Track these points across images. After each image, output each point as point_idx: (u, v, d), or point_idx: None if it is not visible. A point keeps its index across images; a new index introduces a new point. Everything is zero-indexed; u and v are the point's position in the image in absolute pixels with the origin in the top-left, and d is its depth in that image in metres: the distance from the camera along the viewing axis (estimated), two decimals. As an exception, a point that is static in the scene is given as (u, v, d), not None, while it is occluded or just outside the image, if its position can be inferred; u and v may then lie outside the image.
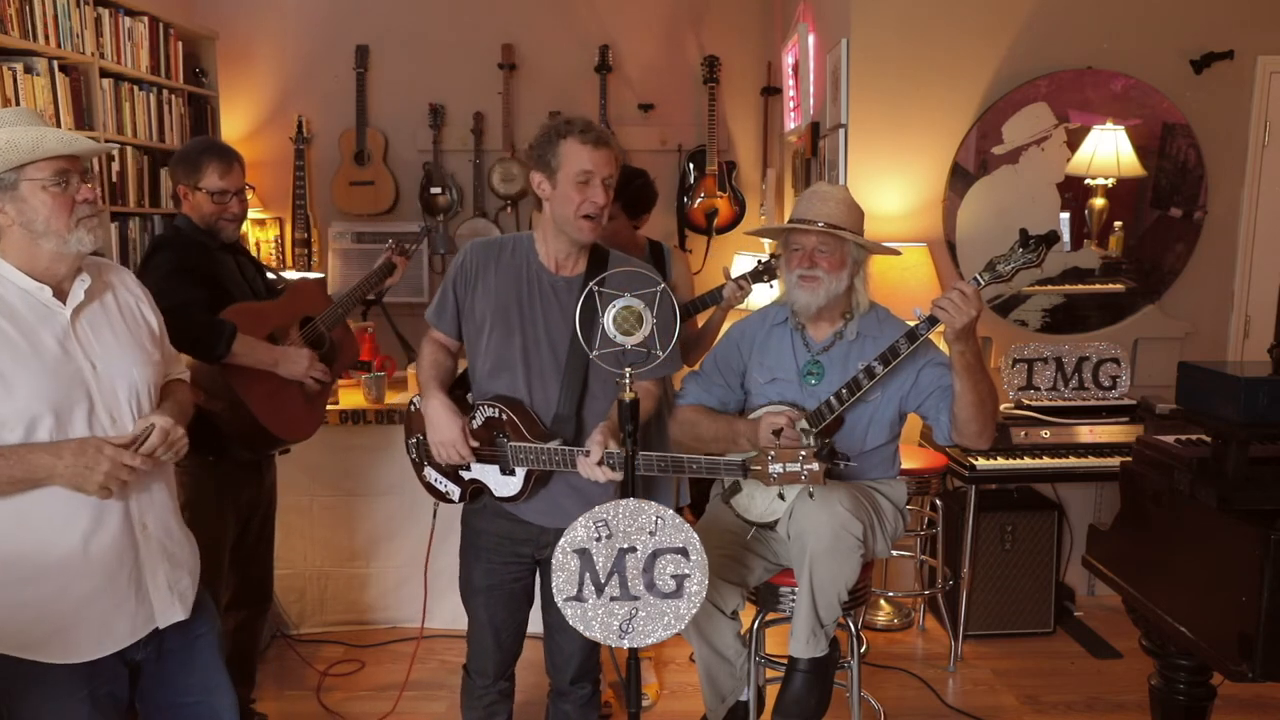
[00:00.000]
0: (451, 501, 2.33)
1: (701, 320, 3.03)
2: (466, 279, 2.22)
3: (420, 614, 3.47)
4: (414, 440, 2.35)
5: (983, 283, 2.20)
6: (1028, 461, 3.41)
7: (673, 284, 3.12)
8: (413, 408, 2.35)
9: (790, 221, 2.42)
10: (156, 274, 2.44)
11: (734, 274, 2.92)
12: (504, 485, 2.19)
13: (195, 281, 2.46)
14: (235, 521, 2.65)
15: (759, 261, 2.95)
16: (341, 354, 2.81)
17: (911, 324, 2.28)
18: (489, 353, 2.20)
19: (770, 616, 2.55)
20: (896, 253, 2.59)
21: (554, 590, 1.89)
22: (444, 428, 2.17)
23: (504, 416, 2.15)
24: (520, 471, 2.15)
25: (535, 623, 2.35)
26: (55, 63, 3.44)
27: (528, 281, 2.19)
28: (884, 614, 3.79)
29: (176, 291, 2.36)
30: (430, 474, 2.34)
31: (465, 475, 2.25)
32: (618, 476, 1.97)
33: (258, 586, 2.82)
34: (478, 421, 2.19)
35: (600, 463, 1.99)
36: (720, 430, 2.47)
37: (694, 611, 1.86)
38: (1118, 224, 3.79)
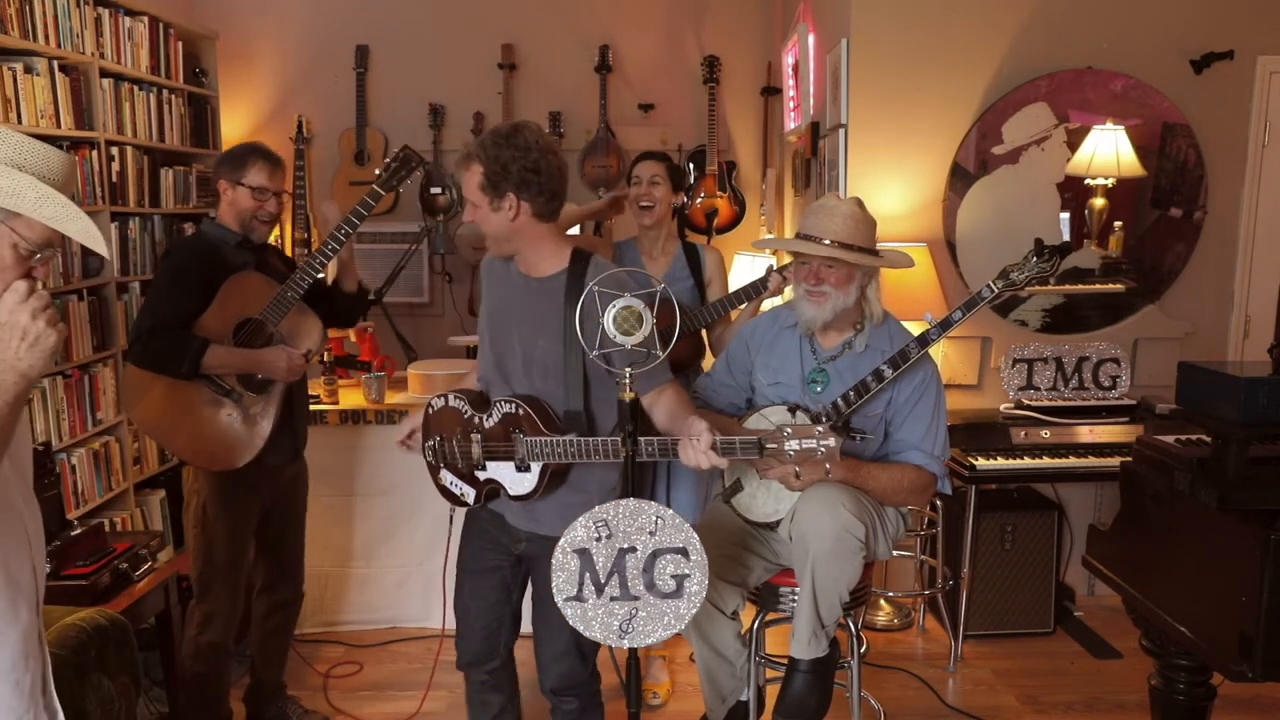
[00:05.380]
0: (467, 504, 2.29)
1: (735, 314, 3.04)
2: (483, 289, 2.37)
3: (432, 614, 3.53)
4: (431, 443, 2.32)
5: (996, 289, 2.31)
6: (1028, 461, 3.41)
7: (707, 279, 3.14)
8: (430, 410, 2.33)
9: (798, 236, 2.39)
10: (153, 286, 2.69)
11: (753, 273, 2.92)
12: (518, 483, 2.16)
13: (190, 293, 2.54)
14: (258, 514, 2.76)
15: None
16: (299, 342, 2.68)
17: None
18: (483, 358, 2.31)
19: (770, 616, 2.55)
20: (910, 263, 2.50)
21: (554, 590, 1.89)
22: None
23: (520, 412, 2.12)
24: (535, 468, 2.12)
25: (529, 624, 2.35)
26: (55, 63, 3.43)
27: (507, 284, 2.27)
28: (884, 614, 3.79)
29: (159, 311, 2.52)
30: (446, 477, 2.31)
31: (481, 476, 2.23)
32: (722, 463, 1.92)
33: (286, 574, 2.92)
34: (494, 418, 2.17)
35: (712, 447, 1.90)
36: None
37: (694, 611, 1.87)
38: (1118, 224, 3.78)
